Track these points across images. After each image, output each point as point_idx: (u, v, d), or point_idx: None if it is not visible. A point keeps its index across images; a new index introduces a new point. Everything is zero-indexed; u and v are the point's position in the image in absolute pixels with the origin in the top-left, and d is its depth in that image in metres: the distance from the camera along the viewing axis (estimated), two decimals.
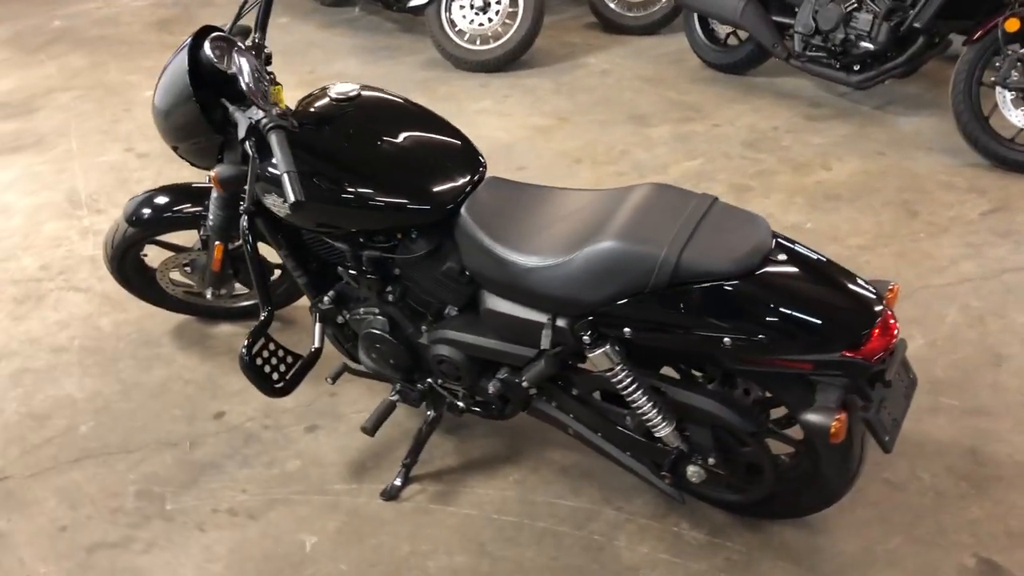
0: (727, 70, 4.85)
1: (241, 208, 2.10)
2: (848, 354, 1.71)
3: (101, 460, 2.43)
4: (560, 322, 1.94)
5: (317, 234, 2.21)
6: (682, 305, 1.76)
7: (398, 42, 5.49)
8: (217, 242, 2.46)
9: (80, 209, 3.65)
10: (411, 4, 5.03)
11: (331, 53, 5.35)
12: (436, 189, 2.05)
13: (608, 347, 1.88)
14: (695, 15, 4.86)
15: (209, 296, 2.67)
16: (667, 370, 2.07)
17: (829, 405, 1.72)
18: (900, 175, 3.76)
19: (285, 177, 1.78)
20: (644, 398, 1.93)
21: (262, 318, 2.26)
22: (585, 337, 1.89)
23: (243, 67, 1.89)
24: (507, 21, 4.93)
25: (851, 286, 1.77)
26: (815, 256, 1.82)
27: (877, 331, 1.71)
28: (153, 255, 2.75)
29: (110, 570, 2.12)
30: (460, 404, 2.27)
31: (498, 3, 4.92)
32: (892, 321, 1.75)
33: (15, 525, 2.24)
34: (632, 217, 1.84)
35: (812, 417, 1.71)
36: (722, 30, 4.85)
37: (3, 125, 4.46)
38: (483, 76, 4.95)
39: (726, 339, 1.75)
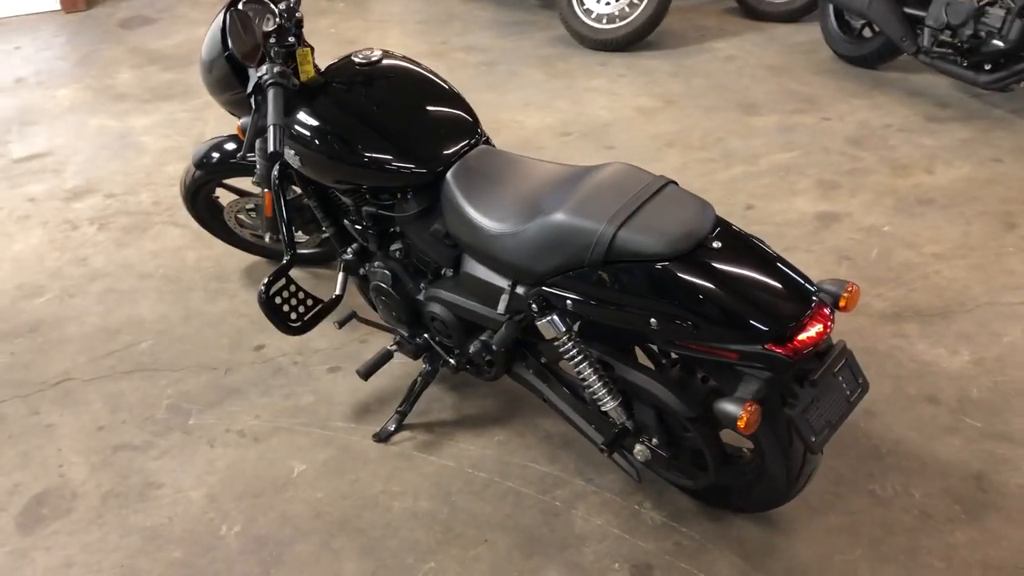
0: (858, 63, 4.64)
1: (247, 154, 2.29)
2: (771, 348, 1.68)
3: (148, 374, 2.73)
4: (519, 289, 2.01)
5: (332, 188, 2.38)
6: (615, 281, 1.80)
7: (534, 18, 5.60)
8: (265, 189, 2.68)
9: None
10: None
11: (469, 25, 5.53)
12: (428, 153, 2.16)
13: (554, 316, 1.94)
14: (830, 4, 4.66)
15: (267, 240, 2.90)
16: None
17: (743, 396, 1.71)
18: (1010, 185, 3.50)
19: (270, 129, 1.96)
20: (590, 370, 1.98)
21: (284, 261, 2.46)
22: (533, 305, 1.95)
23: (239, 30, 2.05)
24: (634, 1, 4.92)
25: (787, 281, 1.73)
26: (757, 247, 1.79)
27: (803, 328, 1.68)
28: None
29: (126, 469, 2.40)
30: (452, 361, 2.38)
31: None
32: (826, 321, 1.71)
33: (64, 420, 2.57)
34: (585, 193, 1.88)
35: (722, 405, 1.70)
36: (857, 21, 4.63)
37: (161, 75, 4.95)
38: (605, 55, 4.98)
39: (653, 319, 1.77)
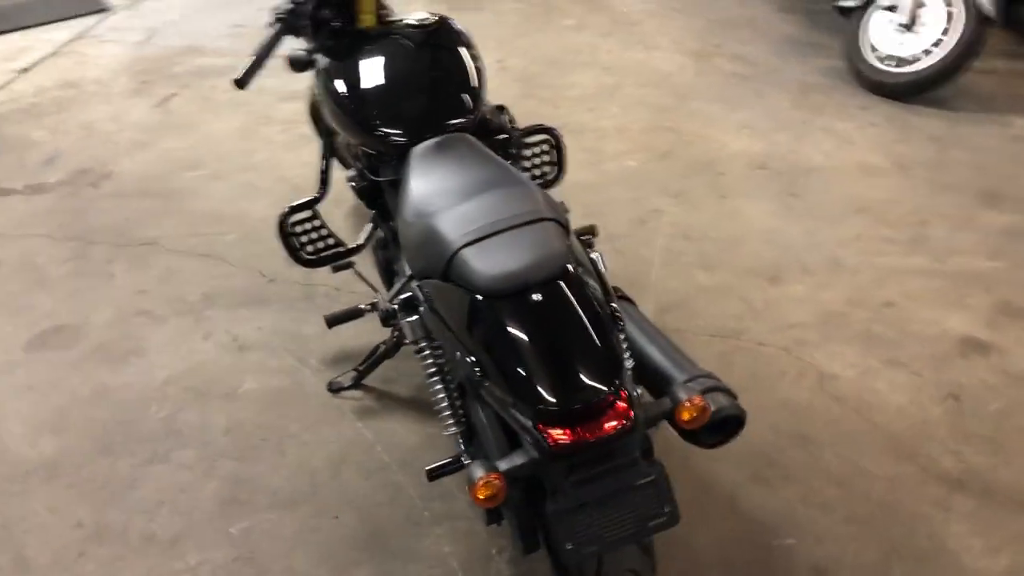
0: None
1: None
2: (541, 428, 1.46)
3: (213, 262, 3.00)
4: (414, 282, 1.92)
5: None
6: (445, 302, 1.65)
7: (831, 42, 5.06)
8: None
9: None
10: (839, 3, 4.64)
11: (757, 35, 5.15)
12: (410, 124, 2.10)
13: (413, 319, 1.83)
14: None
15: None
16: None
17: (497, 465, 1.50)
18: None
19: (250, 59, 2.04)
20: (439, 387, 1.84)
21: (314, 196, 2.55)
22: (400, 302, 1.86)
23: None
24: (931, 49, 4.28)
25: (590, 362, 1.47)
26: (584, 315, 1.52)
27: (585, 420, 1.44)
28: None
29: (131, 332, 2.68)
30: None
31: (924, 25, 4.28)
32: (621, 420, 1.44)
33: (123, 275, 2.92)
34: (471, 204, 1.73)
35: (471, 465, 1.51)
36: None
37: None
38: (874, 99, 4.40)
39: (458, 352, 1.61)
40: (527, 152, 2.58)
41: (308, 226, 2.56)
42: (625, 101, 4.24)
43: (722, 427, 1.69)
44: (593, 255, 1.84)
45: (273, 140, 3.77)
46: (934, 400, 2.52)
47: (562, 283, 1.55)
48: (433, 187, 1.90)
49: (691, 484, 2.23)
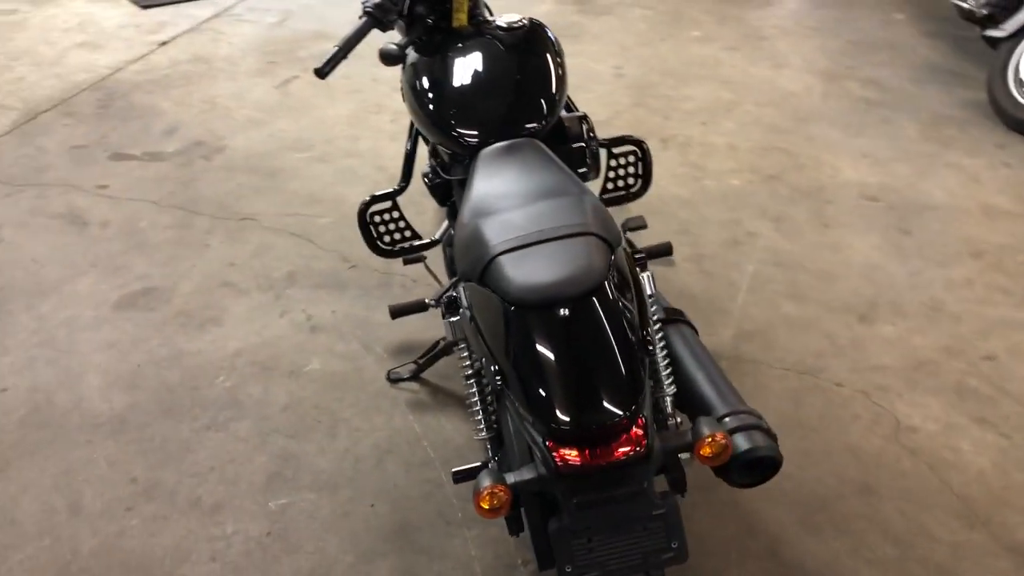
0: None
1: None
2: (550, 446, 1.44)
3: (302, 242, 3.08)
4: (460, 283, 1.92)
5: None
6: (479, 306, 1.65)
7: (970, 71, 4.77)
8: None
9: None
10: (988, 32, 4.37)
11: (897, 58, 4.90)
12: (482, 126, 2.10)
13: (454, 319, 1.83)
14: None
15: None
16: None
17: (505, 478, 1.48)
18: None
19: (334, 49, 2.08)
20: (475, 390, 1.83)
21: (395, 187, 2.59)
22: (443, 301, 1.86)
23: None
24: None
25: (608, 384, 1.43)
26: (611, 335, 1.48)
27: (596, 442, 1.41)
28: None
29: (213, 303, 2.79)
30: None
31: None
32: (633, 447, 1.41)
33: (219, 246, 3.04)
34: (520, 211, 1.71)
35: (480, 476, 1.50)
36: None
37: (570, 14, 5.21)
38: (1012, 137, 4.12)
39: (484, 358, 1.60)
40: (612, 163, 2.54)
41: (387, 216, 2.60)
42: (741, 118, 4.11)
43: (755, 467, 1.62)
44: (643, 275, 1.80)
45: (381, 129, 3.84)
46: (1021, 467, 2.34)
47: (594, 300, 1.51)
48: (489, 190, 1.89)
49: (735, 521, 2.15)
